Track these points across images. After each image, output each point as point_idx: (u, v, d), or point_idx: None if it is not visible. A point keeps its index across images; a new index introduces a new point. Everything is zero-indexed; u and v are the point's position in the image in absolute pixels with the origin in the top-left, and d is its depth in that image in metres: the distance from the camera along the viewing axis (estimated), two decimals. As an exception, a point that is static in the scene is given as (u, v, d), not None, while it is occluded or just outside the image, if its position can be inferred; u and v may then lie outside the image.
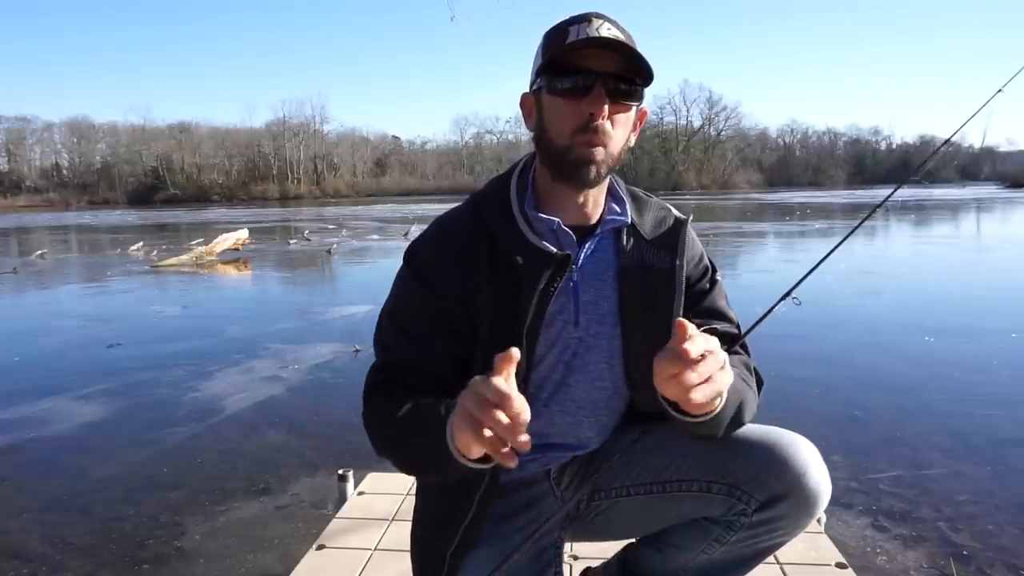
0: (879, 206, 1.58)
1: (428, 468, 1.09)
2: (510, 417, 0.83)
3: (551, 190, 1.21)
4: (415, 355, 1.16)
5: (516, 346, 1.11)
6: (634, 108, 1.16)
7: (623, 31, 1.14)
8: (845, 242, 1.32)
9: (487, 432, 0.84)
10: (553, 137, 1.15)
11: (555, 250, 1.16)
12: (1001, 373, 4.90)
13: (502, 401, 0.83)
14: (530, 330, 1.15)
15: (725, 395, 1.02)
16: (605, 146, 1.13)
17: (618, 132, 1.14)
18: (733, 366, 1.04)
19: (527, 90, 1.21)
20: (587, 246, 1.22)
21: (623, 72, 1.12)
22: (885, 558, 2.51)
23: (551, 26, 1.17)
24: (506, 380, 0.85)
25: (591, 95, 1.10)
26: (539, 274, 1.15)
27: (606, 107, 1.10)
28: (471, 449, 0.90)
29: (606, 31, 1.11)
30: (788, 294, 1.29)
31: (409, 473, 1.23)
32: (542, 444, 1.25)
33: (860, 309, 7.20)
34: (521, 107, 1.23)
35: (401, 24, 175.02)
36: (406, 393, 1.12)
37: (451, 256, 1.17)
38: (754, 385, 1.21)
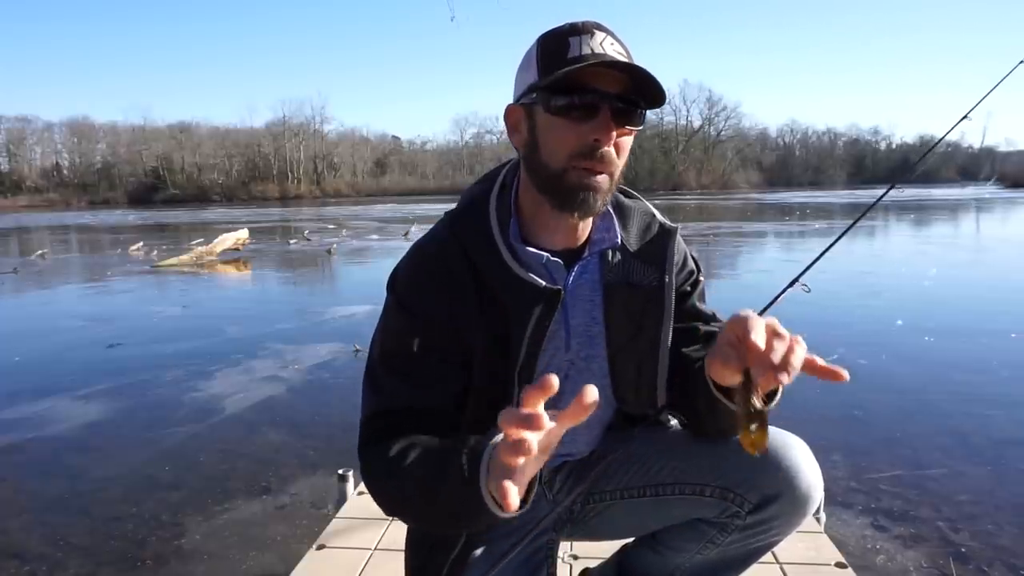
0: (879, 199, 1.65)
1: (451, 520, 0.95)
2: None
3: (539, 215, 1.10)
4: (409, 395, 1.05)
5: (507, 387, 1.07)
6: (634, 133, 1.06)
7: (623, 45, 1.03)
8: (847, 240, 1.36)
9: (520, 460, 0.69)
10: (546, 159, 1.03)
11: (543, 283, 1.07)
12: (1001, 373, 4.89)
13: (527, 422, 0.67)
14: (522, 371, 1.08)
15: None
16: (609, 175, 1.03)
17: (621, 158, 1.04)
18: None
19: (511, 101, 1.08)
20: (575, 270, 1.14)
21: (629, 93, 1.00)
22: (885, 558, 2.50)
23: (545, 34, 1.05)
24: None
25: (597, 119, 0.98)
26: (529, 312, 1.06)
27: (613, 133, 0.99)
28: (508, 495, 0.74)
29: (609, 46, 0.99)
30: (796, 280, 1.31)
31: (429, 528, 1.15)
32: None
33: (860, 309, 7.19)
34: (505, 120, 1.09)
35: (401, 24, 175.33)
36: (408, 441, 1.00)
37: (436, 288, 1.08)
38: None
